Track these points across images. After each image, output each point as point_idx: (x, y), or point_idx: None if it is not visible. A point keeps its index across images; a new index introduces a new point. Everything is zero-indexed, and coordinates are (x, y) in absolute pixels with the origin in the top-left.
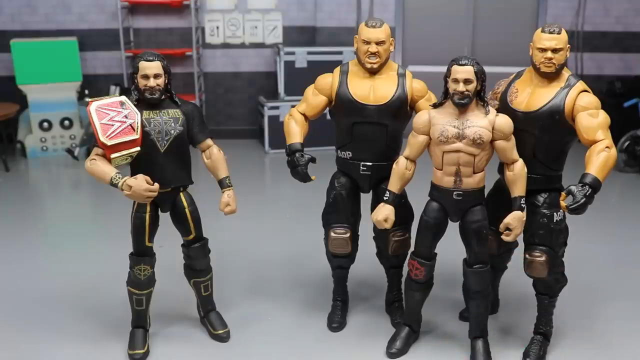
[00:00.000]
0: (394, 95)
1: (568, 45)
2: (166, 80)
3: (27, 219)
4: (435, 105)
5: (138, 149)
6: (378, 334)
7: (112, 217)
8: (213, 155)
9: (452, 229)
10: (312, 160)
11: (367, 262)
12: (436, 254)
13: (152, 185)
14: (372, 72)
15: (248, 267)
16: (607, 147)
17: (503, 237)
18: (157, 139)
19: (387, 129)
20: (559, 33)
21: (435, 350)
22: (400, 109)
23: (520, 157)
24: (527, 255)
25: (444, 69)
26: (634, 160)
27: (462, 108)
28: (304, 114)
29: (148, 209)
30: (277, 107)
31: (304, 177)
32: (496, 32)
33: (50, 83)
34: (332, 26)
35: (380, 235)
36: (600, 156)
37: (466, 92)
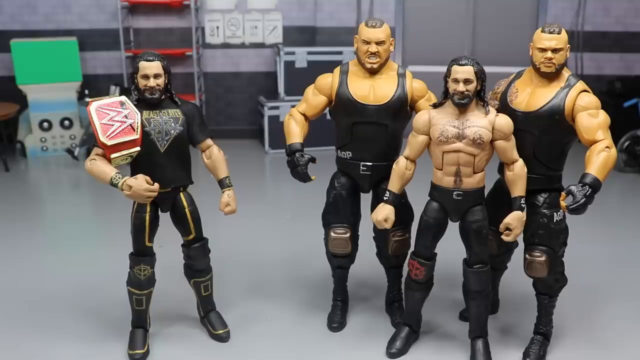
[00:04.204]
0: (394, 95)
1: (568, 45)
2: (166, 80)
3: (27, 219)
4: (435, 105)
5: (138, 149)
6: (378, 334)
7: (112, 217)
8: (213, 155)
9: (452, 229)
10: (312, 160)
11: (367, 262)
12: (436, 254)
13: (152, 185)
14: (372, 72)
15: (248, 267)
16: (607, 147)
17: (503, 237)
18: (157, 139)
19: (387, 129)
20: (559, 33)
21: (435, 350)
22: (400, 109)
23: (520, 157)
24: (527, 255)
25: (444, 69)
26: (634, 160)
27: (462, 108)
28: (304, 114)
29: (148, 209)
30: (277, 107)
31: (304, 177)
32: (496, 32)
33: (50, 83)
34: (332, 26)
35: (380, 235)
36: (600, 156)
37: (466, 92)
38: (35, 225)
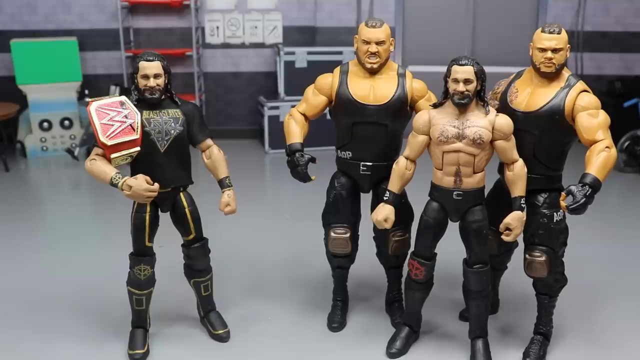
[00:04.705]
0: (394, 95)
1: (568, 45)
2: (166, 80)
3: (27, 219)
4: (435, 105)
5: (138, 149)
6: (378, 334)
7: (112, 217)
8: (213, 155)
9: (452, 229)
10: (312, 160)
11: (367, 262)
12: (436, 254)
13: (152, 185)
14: (372, 72)
15: (248, 267)
16: (607, 147)
17: (503, 237)
18: (157, 139)
19: (387, 129)
20: (559, 33)
21: (435, 350)
22: (400, 109)
23: (520, 157)
24: (527, 255)
25: (444, 69)
26: (634, 160)
27: (462, 108)
28: (304, 114)
29: (148, 209)
30: (277, 107)
31: (304, 177)
32: (496, 32)
33: (50, 83)
34: (332, 26)
35: (380, 235)
36: (600, 156)
37: (466, 92)
38: (35, 225)
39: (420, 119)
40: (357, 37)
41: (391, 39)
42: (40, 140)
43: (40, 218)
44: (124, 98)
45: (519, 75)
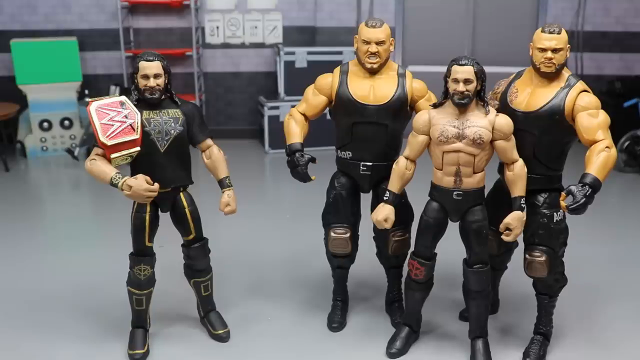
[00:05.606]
0: (394, 95)
1: (568, 45)
2: (166, 80)
3: (27, 219)
4: (435, 105)
5: (138, 149)
6: (378, 334)
7: (112, 217)
8: (213, 155)
9: (452, 229)
10: (312, 160)
11: (367, 262)
12: (436, 254)
13: (152, 185)
14: (372, 72)
15: (248, 267)
16: (607, 147)
17: (503, 237)
18: (157, 139)
19: (387, 129)
20: (559, 33)
21: (435, 350)
22: (400, 109)
23: (520, 157)
24: (527, 255)
25: (444, 69)
26: (634, 160)
27: (462, 108)
28: (304, 114)
29: (148, 209)
30: (277, 107)
31: (304, 177)
32: (496, 32)
33: (50, 83)
34: (332, 26)
35: (380, 235)
36: (600, 156)
37: (466, 92)
38: (35, 225)
39: (420, 119)
40: (357, 37)
41: (391, 39)
42: (40, 140)
43: (40, 218)
44: (124, 98)
45: (519, 75)
